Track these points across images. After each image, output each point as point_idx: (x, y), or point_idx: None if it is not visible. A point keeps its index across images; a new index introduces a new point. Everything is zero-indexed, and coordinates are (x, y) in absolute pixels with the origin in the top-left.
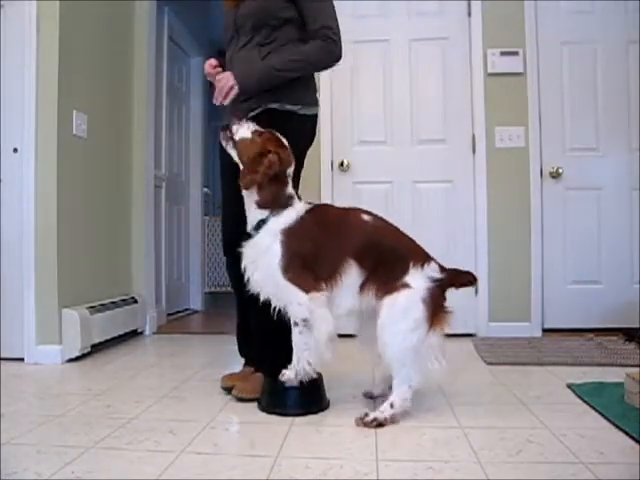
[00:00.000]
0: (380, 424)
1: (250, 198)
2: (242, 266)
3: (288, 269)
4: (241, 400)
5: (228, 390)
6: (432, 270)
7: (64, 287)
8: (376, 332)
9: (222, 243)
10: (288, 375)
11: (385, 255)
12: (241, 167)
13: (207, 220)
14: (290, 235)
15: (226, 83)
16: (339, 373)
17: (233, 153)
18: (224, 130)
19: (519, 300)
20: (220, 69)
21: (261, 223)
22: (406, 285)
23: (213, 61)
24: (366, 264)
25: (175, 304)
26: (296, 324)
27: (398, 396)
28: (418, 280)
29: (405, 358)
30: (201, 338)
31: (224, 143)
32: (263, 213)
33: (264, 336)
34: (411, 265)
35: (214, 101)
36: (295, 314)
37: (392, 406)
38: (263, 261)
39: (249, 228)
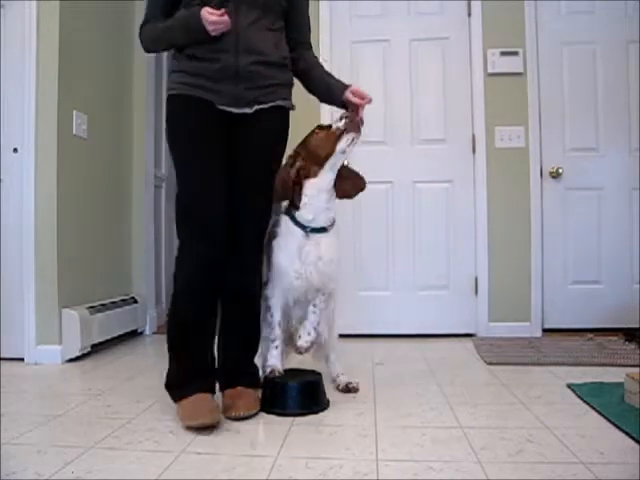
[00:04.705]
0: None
1: (327, 193)
2: (302, 258)
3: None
4: (240, 419)
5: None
6: None
7: (64, 287)
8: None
9: (200, 231)
10: (303, 341)
11: None
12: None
13: None
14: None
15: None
16: None
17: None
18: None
19: (519, 300)
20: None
21: (334, 220)
22: None
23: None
24: None
25: None
26: (315, 306)
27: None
28: None
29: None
30: None
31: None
32: (334, 209)
33: (256, 342)
34: None
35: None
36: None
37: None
38: (334, 255)
39: (325, 222)
